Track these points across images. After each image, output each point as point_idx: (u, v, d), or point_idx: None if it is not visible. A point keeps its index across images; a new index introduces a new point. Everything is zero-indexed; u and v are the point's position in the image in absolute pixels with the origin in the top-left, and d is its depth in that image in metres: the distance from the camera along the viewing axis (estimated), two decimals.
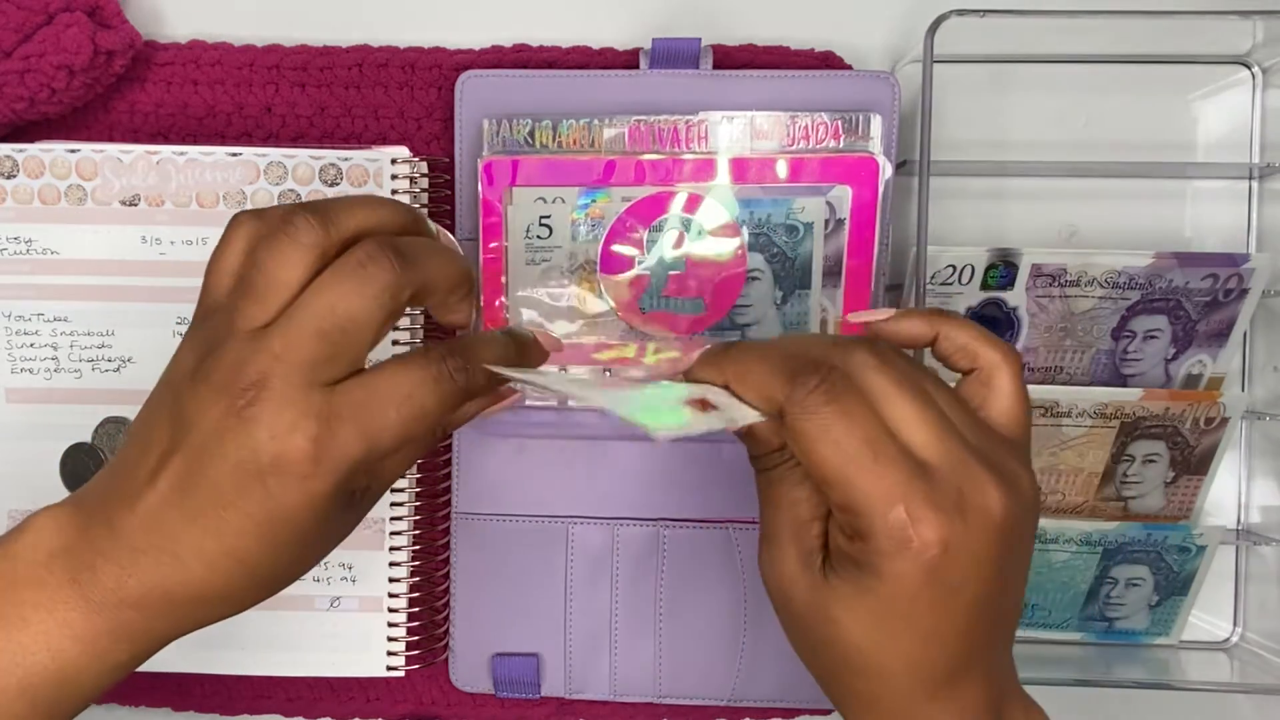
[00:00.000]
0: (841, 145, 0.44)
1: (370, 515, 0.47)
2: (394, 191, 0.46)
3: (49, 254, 0.46)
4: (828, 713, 0.49)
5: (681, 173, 0.44)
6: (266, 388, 0.27)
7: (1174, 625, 0.50)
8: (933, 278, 0.45)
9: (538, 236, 0.45)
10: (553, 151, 0.45)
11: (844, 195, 0.44)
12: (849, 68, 0.47)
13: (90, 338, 0.46)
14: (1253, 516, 0.50)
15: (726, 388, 0.31)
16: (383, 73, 0.48)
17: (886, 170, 0.44)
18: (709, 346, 0.32)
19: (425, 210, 0.47)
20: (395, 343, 0.46)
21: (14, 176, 0.45)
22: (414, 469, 0.47)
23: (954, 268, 0.45)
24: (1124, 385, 0.47)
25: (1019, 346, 0.47)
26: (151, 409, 0.29)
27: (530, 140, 0.45)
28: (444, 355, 0.29)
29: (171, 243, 0.46)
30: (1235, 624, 0.50)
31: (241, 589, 0.29)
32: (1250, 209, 0.49)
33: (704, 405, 0.30)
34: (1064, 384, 0.47)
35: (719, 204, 0.44)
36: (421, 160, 0.47)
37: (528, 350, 0.33)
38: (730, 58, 0.47)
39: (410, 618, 0.48)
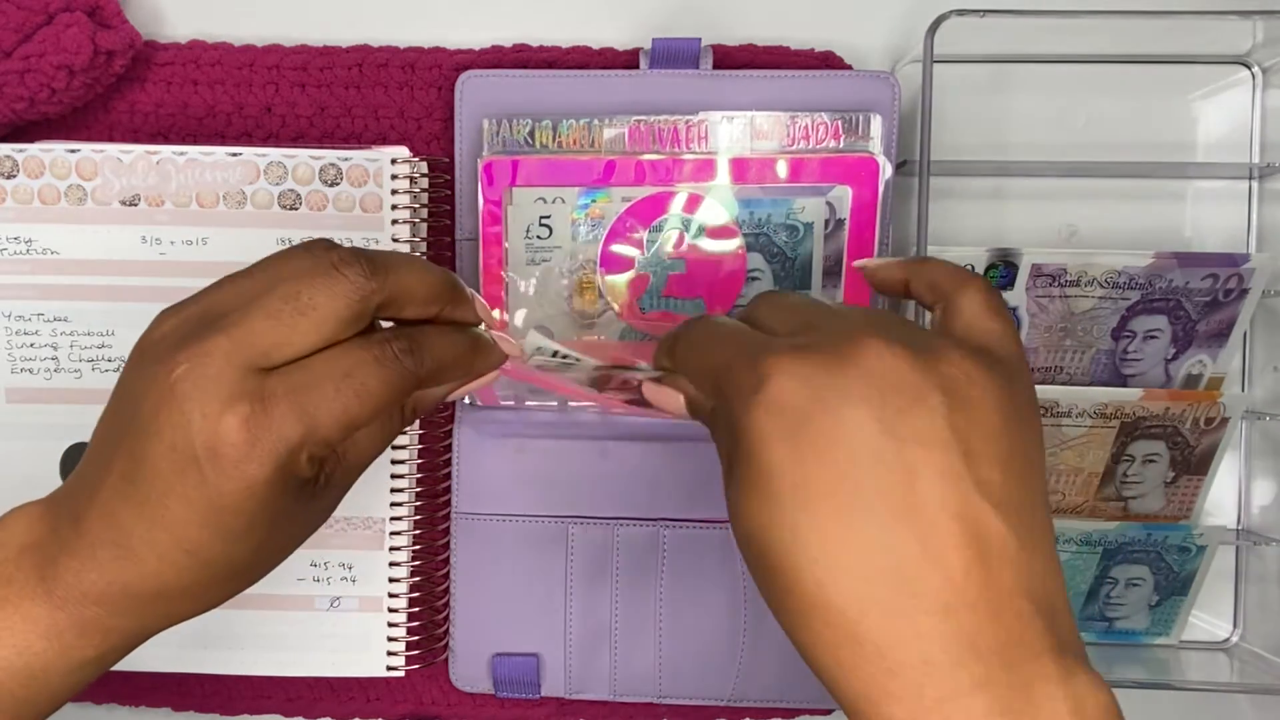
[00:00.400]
0: (841, 145, 0.44)
1: (370, 515, 0.47)
2: (394, 191, 0.46)
3: (49, 254, 0.46)
4: (828, 713, 0.49)
5: (681, 173, 0.44)
6: (203, 361, 0.26)
7: (1174, 625, 0.50)
8: None
9: (538, 236, 0.45)
10: (553, 151, 0.45)
11: (844, 195, 0.44)
12: (849, 68, 0.47)
13: (90, 338, 0.46)
14: (1253, 516, 0.50)
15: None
16: (383, 73, 0.48)
17: (886, 170, 0.44)
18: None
19: (425, 210, 0.47)
20: None
21: (14, 176, 0.45)
22: (414, 469, 0.47)
23: None
24: (1124, 385, 0.47)
25: None
26: (111, 396, 0.29)
27: (530, 140, 0.45)
28: (389, 337, 0.29)
29: (171, 243, 0.46)
30: (1235, 624, 0.50)
31: (200, 584, 0.28)
32: (1250, 209, 0.49)
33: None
34: (1064, 384, 0.47)
35: (719, 204, 0.44)
36: (421, 160, 0.47)
37: (484, 351, 0.32)
38: (730, 58, 0.47)
39: (410, 618, 0.48)
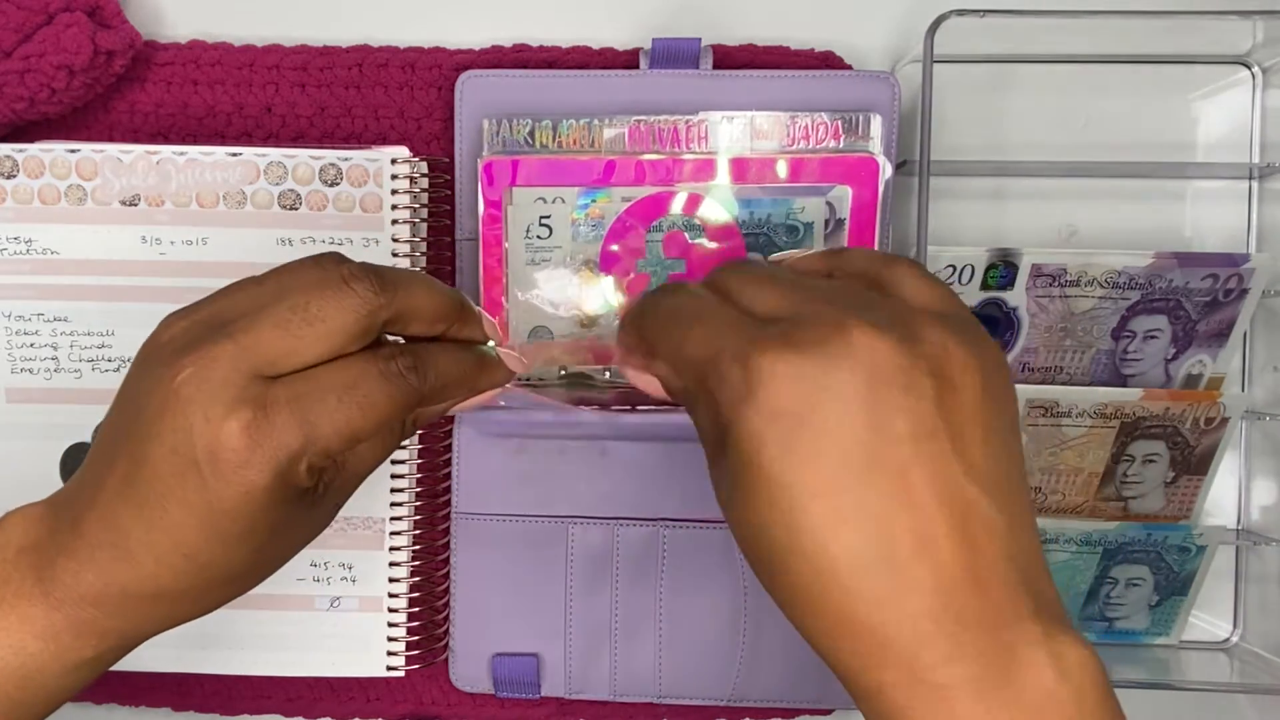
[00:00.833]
0: (841, 145, 0.44)
1: (370, 515, 0.47)
2: (394, 191, 0.46)
3: (49, 254, 0.46)
4: (828, 713, 0.49)
5: (681, 173, 0.44)
6: (208, 366, 0.26)
7: (1174, 625, 0.50)
8: None
9: (538, 236, 0.45)
10: (553, 151, 0.45)
11: (844, 195, 0.44)
12: (849, 68, 0.47)
13: (90, 338, 0.46)
14: (1253, 516, 0.50)
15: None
16: (383, 73, 0.48)
17: (886, 170, 0.44)
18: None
19: (425, 210, 0.47)
20: None
21: (14, 176, 0.45)
22: (414, 469, 0.47)
23: (954, 268, 0.45)
24: (1124, 385, 0.47)
25: (1019, 347, 0.47)
26: (115, 398, 0.29)
27: (530, 140, 0.45)
28: (395, 353, 0.29)
29: (171, 243, 0.46)
30: (1235, 624, 0.50)
31: (197, 588, 0.28)
32: (1250, 209, 0.49)
33: None
34: (1064, 384, 0.47)
35: (719, 204, 0.44)
36: (421, 160, 0.47)
37: (489, 369, 0.33)
38: (730, 58, 0.47)
39: (410, 618, 0.48)
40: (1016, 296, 0.46)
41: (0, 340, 0.46)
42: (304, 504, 0.29)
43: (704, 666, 0.48)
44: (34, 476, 0.46)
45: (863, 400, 0.24)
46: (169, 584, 0.28)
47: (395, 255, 0.46)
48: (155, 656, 0.47)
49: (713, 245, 0.45)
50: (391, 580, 0.47)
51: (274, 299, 0.28)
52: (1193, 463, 0.47)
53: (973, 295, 0.46)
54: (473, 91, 0.46)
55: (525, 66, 0.47)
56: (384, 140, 0.48)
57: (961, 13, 0.42)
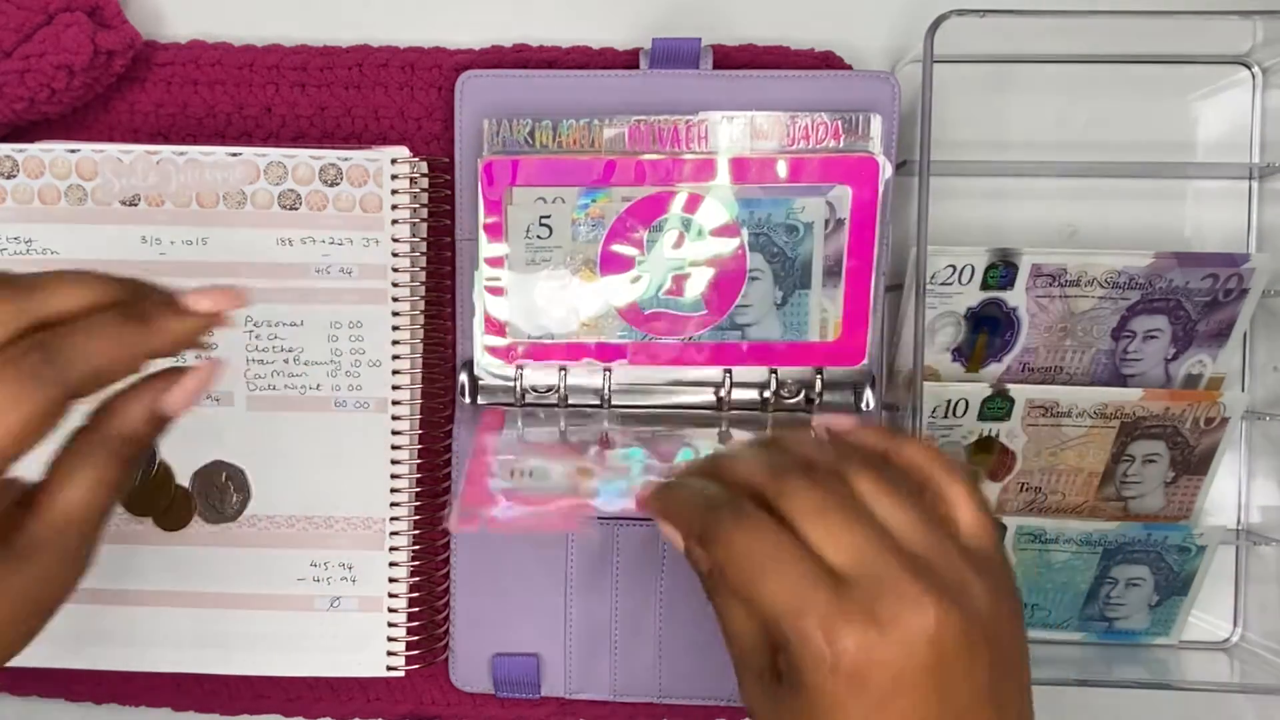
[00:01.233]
0: (841, 145, 0.44)
1: (370, 515, 0.47)
2: (394, 191, 0.46)
3: (49, 254, 0.46)
4: None
5: (681, 173, 0.44)
6: None
7: (1174, 625, 0.50)
8: (933, 278, 0.45)
9: (538, 236, 0.45)
10: (553, 151, 0.45)
11: (844, 195, 0.44)
12: (849, 68, 0.47)
13: None
14: (1253, 516, 0.50)
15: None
16: (383, 73, 0.48)
17: (886, 170, 0.44)
18: (652, 482, 0.33)
19: (425, 210, 0.47)
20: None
21: (14, 176, 0.45)
22: (414, 469, 0.47)
23: (954, 268, 0.45)
24: (1124, 385, 0.47)
25: (1019, 346, 0.47)
26: None
27: (530, 140, 0.45)
28: (23, 351, 0.26)
29: (171, 243, 0.46)
30: (1235, 624, 0.50)
31: None
32: (1250, 209, 0.49)
33: None
34: (1064, 384, 0.47)
35: (719, 204, 0.44)
36: (421, 160, 0.47)
37: (142, 322, 0.28)
38: (730, 58, 0.47)
39: (410, 618, 0.48)
40: (1016, 296, 0.46)
41: None
42: None
43: (704, 666, 0.48)
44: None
45: (935, 680, 0.27)
46: None
47: (395, 255, 0.46)
48: (155, 657, 0.47)
49: (713, 245, 0.45)
50: (391, 580, 0.47)
51: None
52: (1193, 463, 0.47)
53: (972, 295, 0.46)
54: (473, 91, 0.46)
55: (525, 66, 0.47)
56: (384, 140, 0.48)
57: (961, 13, 0.42)
